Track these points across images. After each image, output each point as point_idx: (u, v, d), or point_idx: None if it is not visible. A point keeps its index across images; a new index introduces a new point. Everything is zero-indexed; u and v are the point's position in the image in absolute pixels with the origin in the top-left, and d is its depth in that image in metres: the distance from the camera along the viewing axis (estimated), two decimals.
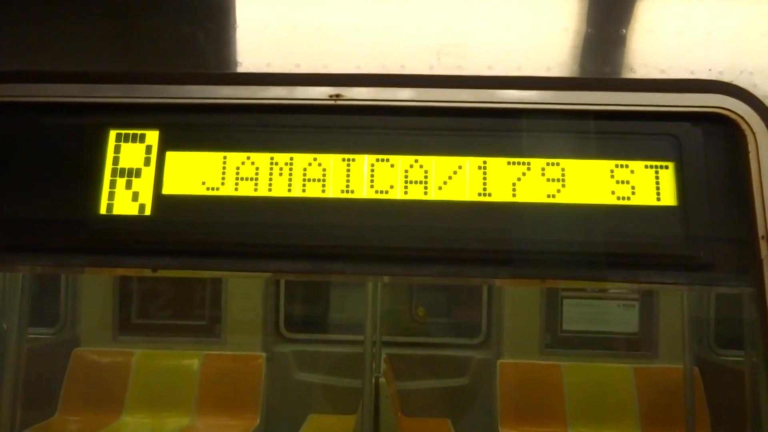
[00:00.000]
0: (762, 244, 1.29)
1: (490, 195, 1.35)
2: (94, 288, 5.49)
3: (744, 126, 1.34)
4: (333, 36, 1.44)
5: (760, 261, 1.29)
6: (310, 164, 1.37)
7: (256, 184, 1.36)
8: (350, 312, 5.71)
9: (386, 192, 1.36)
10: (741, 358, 4.45)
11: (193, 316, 5.56)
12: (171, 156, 1.39)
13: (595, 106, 1.38)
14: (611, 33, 1.45)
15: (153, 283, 5.60)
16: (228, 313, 5.41)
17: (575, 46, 1.45)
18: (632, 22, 1.47)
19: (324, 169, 1.37)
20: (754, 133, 1.33)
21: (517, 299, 5.31)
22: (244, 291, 5.41)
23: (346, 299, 5.84)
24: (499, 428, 4.77)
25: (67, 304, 5.39)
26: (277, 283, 5.54)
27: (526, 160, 1.37)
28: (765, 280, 1.29)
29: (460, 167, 1.37)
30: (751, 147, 1.33)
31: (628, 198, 1.35)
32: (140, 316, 5.56)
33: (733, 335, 4.73)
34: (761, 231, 1.30)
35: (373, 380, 3.93)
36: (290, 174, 1.37)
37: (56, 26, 1.50)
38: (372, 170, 1.37)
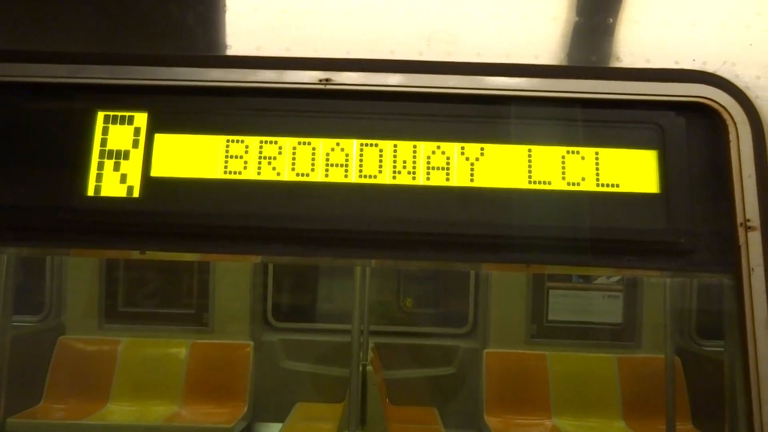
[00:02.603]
0: (740, 231, 1.33)
1: (477, 181, 1.37)
2: (79, 276, 5.44)
3: (726, 116, 1.36)
4: (323, 20, 1.44)
5: (738, 248, 1.32)
6: (298, 148, 1.37)
7: (244, 167, 1.36)
8: (338, 302, 5.72)
9: (374, 177, 1.37)
10: (721, 349, 4.53)
11: (180, 304, 5.54)
12: (159, 138, 1.38)
13: (581, 94, 1.40)
14: (599, 22, 1.47)
15: (140, 271, 5.56)
16: (216, 301, 5.39)
17: (563, 34, 1.47)
18: (619, 11, 1.49)
19: (313, 154, 1.37)
20: (735, 123, 1.36)
21: (504, 290, 5.36)
22: (232, 280, 5.39)
23: (334, 289, 5.85)
24: (485, 417, 4.83)
25: (52, 291, 5.34)
26: (265, 272, 5.53)
27: (512, 146, 1.39)
28: (742, 267, 1.32)
29: (447, 153, 1.38)
30: (732, 136, 1.36)
31: (612, 185, 1.37)
32: (127, 304, 5.52)
33: (713, 326, 4.82)
34: (740, 218, 1.33)
35: (361, 369, 3.95)
36: (279, 157, 1.37)
37: (43, 5, 1.49)
38: (361, 155, 1.38)
